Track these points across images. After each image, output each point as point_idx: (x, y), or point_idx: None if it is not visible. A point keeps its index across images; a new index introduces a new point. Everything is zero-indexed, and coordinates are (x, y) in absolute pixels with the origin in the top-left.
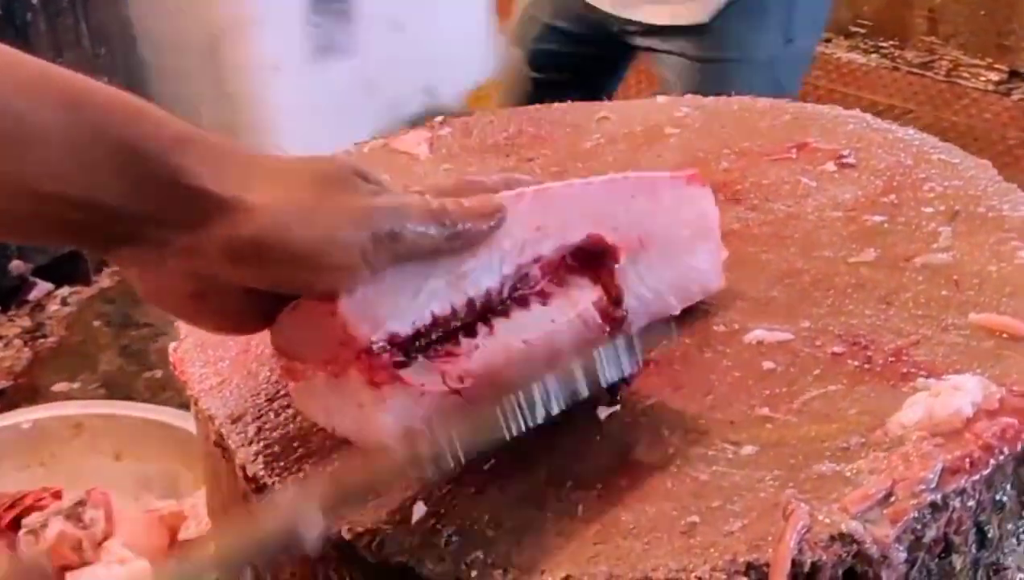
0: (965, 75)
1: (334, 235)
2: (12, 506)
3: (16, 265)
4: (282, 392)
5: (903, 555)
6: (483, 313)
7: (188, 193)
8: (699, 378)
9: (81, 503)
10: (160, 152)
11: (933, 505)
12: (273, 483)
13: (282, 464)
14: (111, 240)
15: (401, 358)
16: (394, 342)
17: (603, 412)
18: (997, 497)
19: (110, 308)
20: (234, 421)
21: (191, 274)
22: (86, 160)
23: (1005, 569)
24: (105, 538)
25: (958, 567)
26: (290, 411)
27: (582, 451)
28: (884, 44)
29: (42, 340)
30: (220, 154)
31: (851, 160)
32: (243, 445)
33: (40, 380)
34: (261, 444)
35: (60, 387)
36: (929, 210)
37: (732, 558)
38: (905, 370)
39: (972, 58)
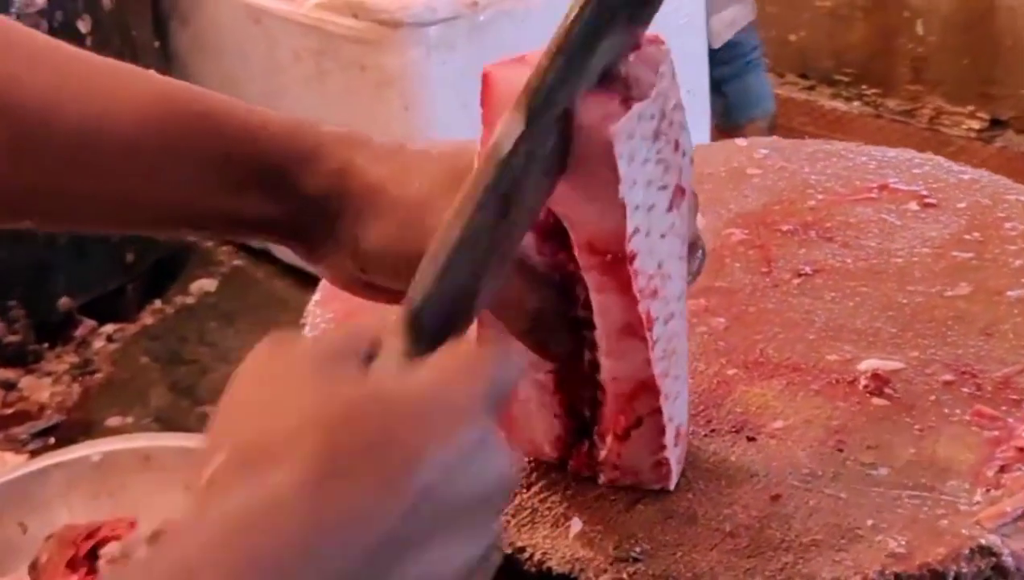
0: (947, 123)
1: None
2: (89, 536)
3: (64, 302)
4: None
5: None
6: None
7: (317, 204)
8: (822, 404)
9: (159, 533)
10: (286, 164)
11: None
12: None
13: None
14: (271, 239)
15: None
16: None
17: None
18: None
19: (156, 345)
20: None
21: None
22: (213, 176)
23: None
24: None
25: None
26: None
27: (718, 471)
28: (867, 92)
29: (91, 376)
30: (349, 159)
31: (932, 200)
32: None
33: (93, 415)
34: None
35: (113, 422)
36: (1014, 247)
37: (881, 569)
38: (1015, 397)
39: (955, 106)
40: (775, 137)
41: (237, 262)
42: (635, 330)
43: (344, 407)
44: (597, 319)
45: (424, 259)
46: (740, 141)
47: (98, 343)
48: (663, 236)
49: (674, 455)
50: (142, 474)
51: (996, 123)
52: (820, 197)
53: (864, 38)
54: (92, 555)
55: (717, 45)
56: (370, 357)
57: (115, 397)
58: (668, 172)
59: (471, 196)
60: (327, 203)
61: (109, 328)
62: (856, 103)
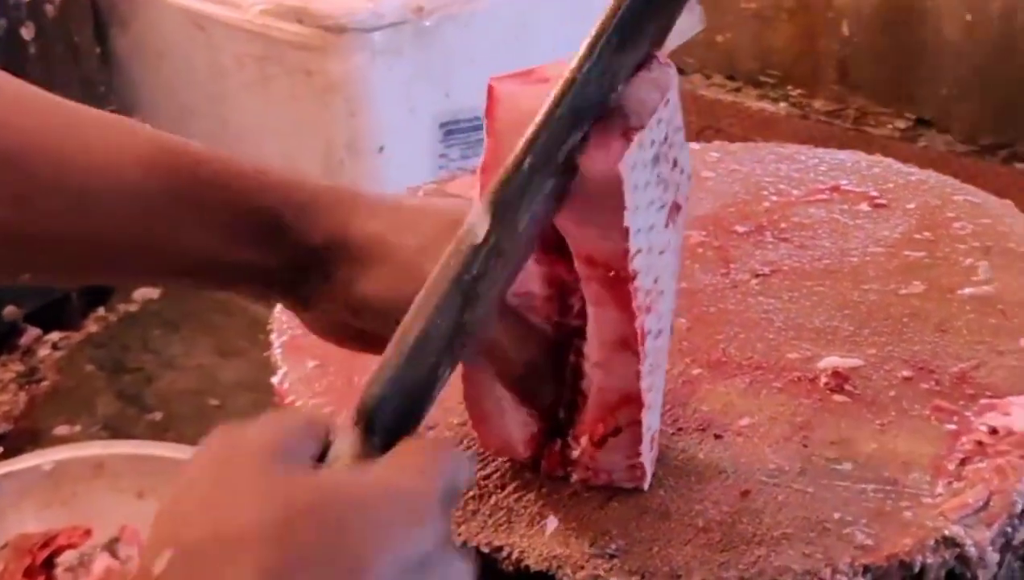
0: (872, 123)
1: None
2: (45, 545)
3: (10, 310)
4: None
5: (996, 556)
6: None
7: (315, 253)
8: (785, 401)
9: (116, 540)
10: (285, 214)
11: (1022, 511)
12: None
13: None
14: (268, 291)
15: None
16: None
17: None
18: None
19: (100, 352)
20: None
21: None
22: (198, 225)
23: None
24: None
25: None
26: None
27: (688, 468)
28: (793, 93)
29: (37, 385)
30: (349, 210)
31: (883, 201)
32: None
33: (40, 424)
34: None
35: (61, 430)
36: (963, 246)
37: (851, 560)
38: (971, 391)
39: (879, 106)
40: (723, 141)
41: None
42: (629, 344)
43: (293, 509)
44: (591, 330)
45: (386, 350)
46: (692, 145)
47: (43, 351)
48: (661, 252)
49: (648, 458)
50: (94, 482)
51: (921, 123)
52: (774, 199)
53: (789, 39)
54: (48, 564)
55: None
56: (322, 451)
57: (62, 405)
58: (667, 191)
59: (434, 291)
60: (325, 253)
61: (54, 336)
62: (783, 104)
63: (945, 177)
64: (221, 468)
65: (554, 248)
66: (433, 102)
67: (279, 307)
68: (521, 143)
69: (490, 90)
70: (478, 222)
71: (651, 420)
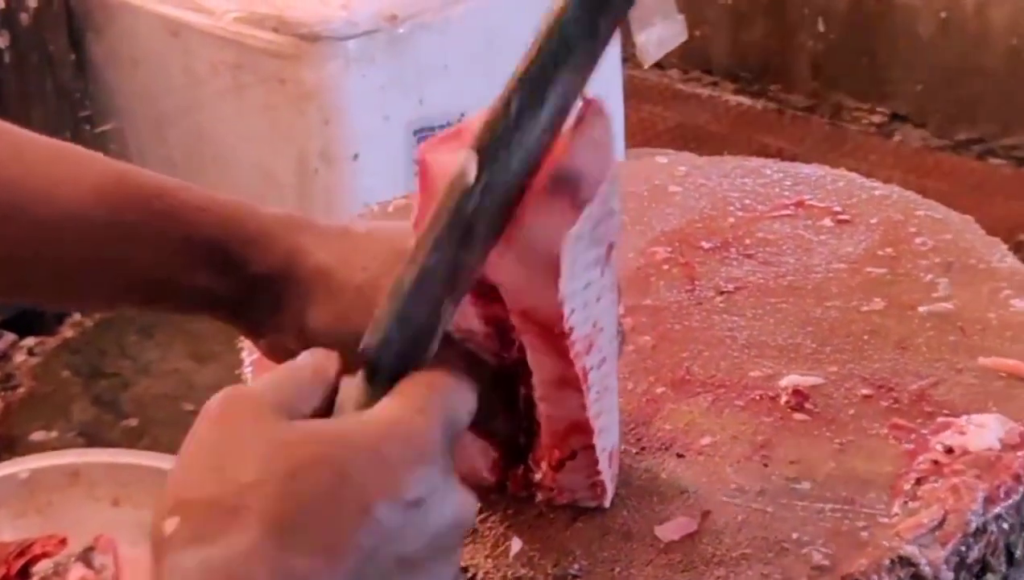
0: (847, 118)
1: None
2: (21, 554)
3: None
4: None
5: (951, 575)
6: None
7: (263, 283)
8: (747, 420)
9: (90, 549)
10: (233, 246)
11: (976, 530)
12: None
13: None
14: (218, 316)
15: None
16: None
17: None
18: (1023, 520)
19: (76, 358)
20: None
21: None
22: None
23: None
24: None
25: None
26: None
27: (650, 488)
28: (770, 88)
29: (13, 391)
30: (296, 241)
31: (846, 216)
32: None
33: (15, 430)
34: None
35: (37, 437)
36: (925, 262)
37: None
38: (929, 409)
39: (855, 102)
40: (692, 154)
41: None
42: (570, 383)
43: (295, 461)
44: (532, 369)
45: (384, 298)
46: (660, 158)
47: (19, 357)
48: (598, 299)
49: (608, 475)
50: (70, 490)
51: (896, 118)
52: (739, 214)
53: (765, 35)
54: (24, 573)
55: (647, 64)
56: (327, 399)
57: (38, 411)
58: (602, 243)
59: (431, 231)
60: (274, 284)
61: (30, 341)
62: (760, 100)
63: (908, 193)
64: (225, 428)
65: (490, 290)
66: (407, 110)
67: None
68: (503, 92)
69: (421, 161)
70: (468, 165)
71: (606, 441)
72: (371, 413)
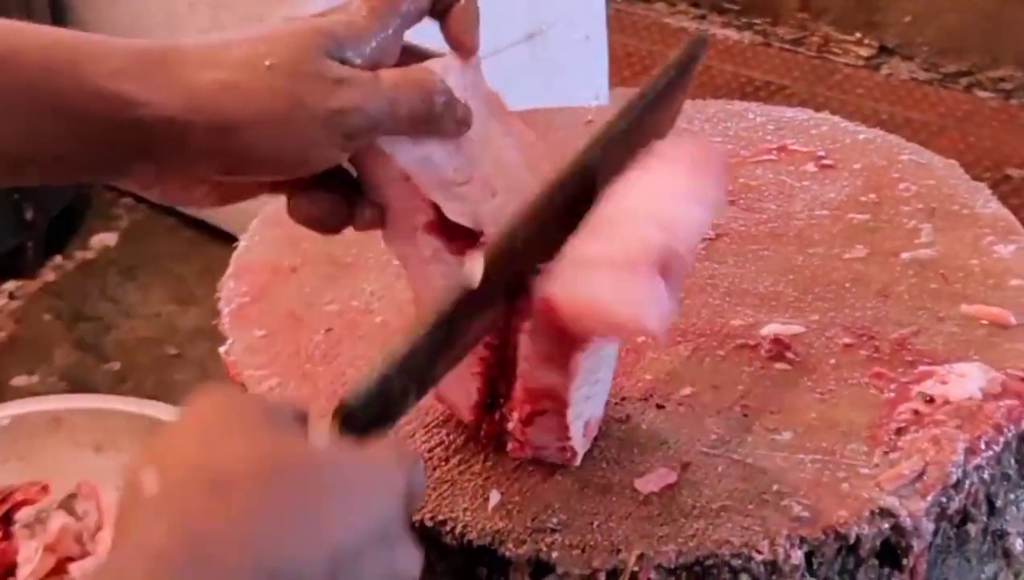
0: (836, 51)
1: (308, 151)
2: (2, 502)
3: None
4: (340, 393)
5: (931, 526)
6: None
7: (140, 126)
8: (728, 369)
9: (72, 496)
10: (100, 91)
11: (957, 481)
12: None
13: None
14: (102, 173)
15: None
16: None
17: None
18: (1004, 470)
19: (58, 302)
20: None
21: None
22: (25, 120)
23: (1007, 534)
24: (98, 529)
25: (972, 534)
26: None
27: (630, 439)
28: (757, 21)
29: None
30: (168, 71)
31: (829, 161)
32: None
33: None
34: None
35: (19, 381)
36: (907, 208)
37: (787, 533)
38: (910, 358)
39: (843, 34)
40: None
41: (137, 216)
42: (555, 361)
43: (282, 462)
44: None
45: (370, 367)
46: None
47: (0, 301)
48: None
49: (580, 442)
50: (52, 436)
51: (884, 50)
52: None
53: None
54: (6, 520)
55: None
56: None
57: (20, 355)
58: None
59: (426, 321)
60: (183, 118)
61: (11, 285)
62: (747, 32)
63: (892, 136)
64: (216, 415)
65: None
66: None
67: (229, 273)
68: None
69: None
70: (476, 270)
71: (584, 410)
72: (348, 450)
